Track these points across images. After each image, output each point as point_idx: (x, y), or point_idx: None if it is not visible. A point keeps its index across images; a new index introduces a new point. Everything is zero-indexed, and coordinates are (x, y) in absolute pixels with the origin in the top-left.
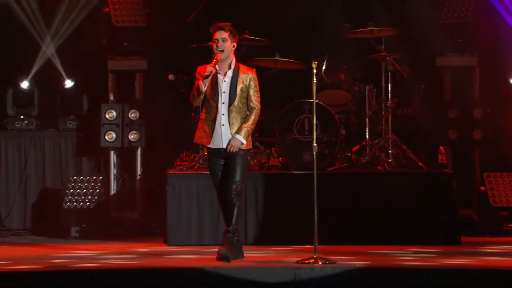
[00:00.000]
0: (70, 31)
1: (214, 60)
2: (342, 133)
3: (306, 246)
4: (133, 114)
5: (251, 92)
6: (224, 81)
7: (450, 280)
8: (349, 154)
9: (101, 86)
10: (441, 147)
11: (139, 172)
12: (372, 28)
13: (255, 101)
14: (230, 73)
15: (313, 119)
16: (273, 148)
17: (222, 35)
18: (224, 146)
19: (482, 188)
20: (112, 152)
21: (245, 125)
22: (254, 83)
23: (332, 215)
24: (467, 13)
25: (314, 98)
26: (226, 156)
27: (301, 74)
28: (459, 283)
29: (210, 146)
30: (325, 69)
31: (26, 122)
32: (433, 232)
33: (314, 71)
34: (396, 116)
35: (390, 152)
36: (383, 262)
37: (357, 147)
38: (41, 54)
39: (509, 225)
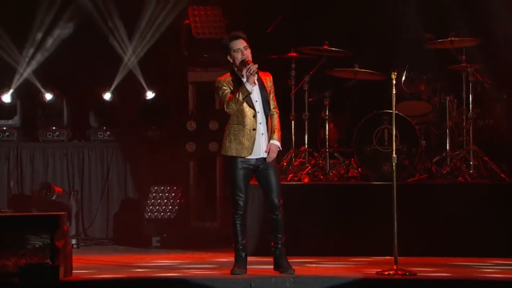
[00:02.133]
0: (152, 43)
1: (250, 61)
2: (422, 144)
3: (386, 258)
4: (213, 125)
5: (272, 96)
6: (253, 89)
7: None
8: (429, 165)
9: (182, 97)
10: None
11: (219, 182)
12: (453, 38)
13: (275, 103)
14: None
15: (392, 129)
16: (352, 159)
17: (242, 43)
18: (265, 156)
19: None
20: (192, 162)
21: (277, 130)
22: (273, 86)
23: (412, 226)
24: None
25: (394, 108)
26: (263, 166)
27: (381, 84)
28: None
29: (251, 157)
30: (404, 80)
31: (108, 133)
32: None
33: (394, 81)
34: (477, 127)
35: (471, 163)
36: (464, 274)
37: (437, 158)
38: (123, 66)
39: None
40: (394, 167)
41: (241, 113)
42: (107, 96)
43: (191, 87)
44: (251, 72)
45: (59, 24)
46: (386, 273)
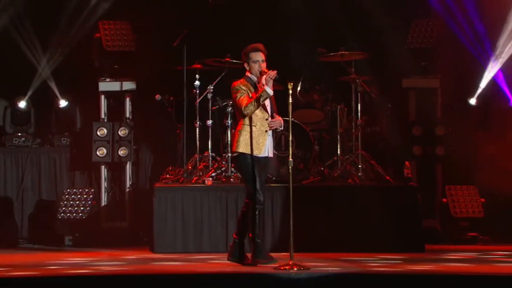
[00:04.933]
0: (64, 55)
1: (266, 71)
2: (316, 149)
3: (282, 254)
4: (122, 132)
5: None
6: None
7: (414, 285)
8: (322, 169)
9: (93, 106)
10: (407, 162)
11: (128, 185)
12: (343, 52)
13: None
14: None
15: (289, 136)
16: None
17: (262, 56)
18: (271, 155)
19: (444, 200)
20: (103, 167)
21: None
22: None
23: (307, 225)
24: (431, 39)
25: (290, 116)
26: (266, 164)
27: (278, 94)
28: (423, 287)
29: (261, 155)
30: (300, 90)
31: (23, 139)
32: (399, 241)
33: (290, 91)
34: (365, 133)
35: (360, 166)
36: (353, 268)
37: (329, 162)
38: (38, 76)
39: (469, 234)
40: (290, 170)
41: (255, 115)
42: (22, 104)
43: (102, 96)
44: (271, 76)
45: None
46: (282, 268)
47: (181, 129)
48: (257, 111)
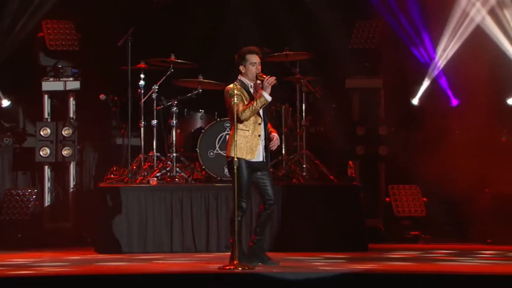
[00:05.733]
0: (7, 55)
1: (263, 75)
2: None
3: (228, 253)
4: (66, 131)
5: None
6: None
7: (358, 284)
8: None
9: (36, 106)
10: (350, 162)
11: (71, 185)
12: (287, 52)
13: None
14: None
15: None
16: (196, 163)
17: (258, 59)
18: (264, 159)
19: (387, 199)
20: (46, 167)
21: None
22: None
23: (252, 223)
24: (374, 39)
25: (235, 117)
26: (261, 168)
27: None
28: (366, 286)
29: (254, 160)
30: None
31: None
32: (343, 240)
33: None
34: (309, 133)
35: (304, 166)
36: (299, 267)
37: (274, 161)
38: None
39: (411, 232)
40: (235, 170)
41: (249, 120)
42: None
43: (46, 95)
44: (269, 82)
45: None
46: (227, 267)
47: (125, 129)
48: (253, 117)
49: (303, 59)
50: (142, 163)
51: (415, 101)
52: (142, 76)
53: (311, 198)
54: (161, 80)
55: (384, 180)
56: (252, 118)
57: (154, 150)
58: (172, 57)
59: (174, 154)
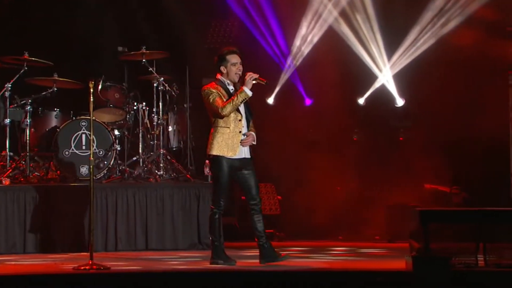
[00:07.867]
0: None
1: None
2: (117, 148)
3: (82, 254)
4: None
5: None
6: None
7: (214, 282)
8: (123, 167)
9: None
10: (207, 161)
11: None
12: (144, 51)
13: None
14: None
15: (90, 135)
16: (51, 162)
17: (239, 59)
18: (248, 156)
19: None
20: None
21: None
22: None
23: (108, 224)
24: (229, 39)
25: (91, 115)
26: (245, 165)
27: (79, 93)
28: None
29: (236, 157)
30: (101, 89)
31: None
32: (198, 238)
33: (91, 90)
34: (166, 132)
35: (161, 165)
36: (155, 266)
37: (131, 160)
38: None
39: (266, 230)
40: (91, 170)
41: (229, 117)
42: None
43: None
44: (252, 78)
45: None
46: (82, 268)
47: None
48: (233, 113)
49: (160, 58)
50: None
51: (270, 100)
52: None
53: (167, 197)
54: (15, 78)
55: None
56: (232, 115)
57: (7, 150)
58: (26, 55)
59: (28, 154)
